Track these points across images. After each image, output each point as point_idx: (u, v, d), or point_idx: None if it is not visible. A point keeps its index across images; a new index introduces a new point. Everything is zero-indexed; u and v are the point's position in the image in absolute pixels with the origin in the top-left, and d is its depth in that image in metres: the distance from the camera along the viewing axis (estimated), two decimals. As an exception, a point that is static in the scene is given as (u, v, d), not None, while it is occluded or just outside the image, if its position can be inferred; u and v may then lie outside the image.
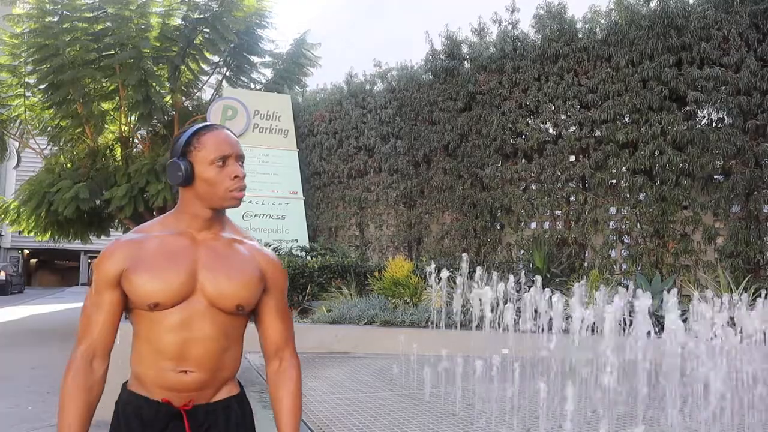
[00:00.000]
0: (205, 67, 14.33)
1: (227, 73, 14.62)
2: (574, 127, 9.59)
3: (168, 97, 13.25)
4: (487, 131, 10.40)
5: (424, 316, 7.26)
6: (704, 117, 8.64)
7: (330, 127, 13.64)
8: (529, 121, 10.13)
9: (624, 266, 9.09)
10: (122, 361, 1.64)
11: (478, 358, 4.42)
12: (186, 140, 1.53)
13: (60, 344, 10.13)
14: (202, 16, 12.86)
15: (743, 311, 4.39)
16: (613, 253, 9.20)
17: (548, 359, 4.89)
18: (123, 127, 13.62)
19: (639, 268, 8.66)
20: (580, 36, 9.59)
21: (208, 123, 1.60)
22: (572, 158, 9.67)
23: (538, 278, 5.91)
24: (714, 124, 8.47)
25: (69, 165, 13.44)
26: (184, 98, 14.05)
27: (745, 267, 7.82)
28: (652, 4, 8.87)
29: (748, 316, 4.24)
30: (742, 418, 3.96)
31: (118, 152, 13.67)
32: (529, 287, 5.73)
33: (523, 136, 10.21)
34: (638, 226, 8.80)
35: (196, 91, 14.77)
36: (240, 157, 1.56)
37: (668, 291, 4.20)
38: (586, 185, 9.55)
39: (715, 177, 8.41)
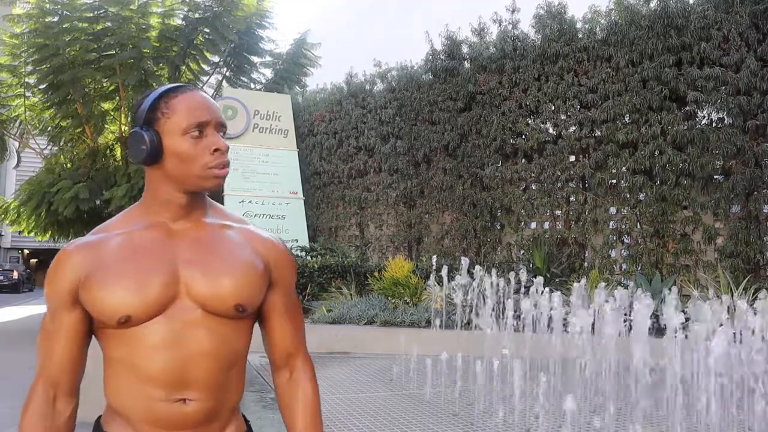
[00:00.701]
0: (206, 67, 14.33)
1: (227, 73, 14.62)
2: (574, 127, 9.59)
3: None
4: (487, 131, 10.40)
5: (424, 316, 7.26)
6: (704, 117, 8.64)
7: (330, 127, 13.64)
8: (529, 121, 10.13)
9: (624, 266, 9.09)
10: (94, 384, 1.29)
11: (477, 358, 4.42)
12: (151, 104, 1.18)
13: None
14: (202, 16, 12.86)
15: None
16: (613, 253, 9.20)
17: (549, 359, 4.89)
18: (123, 127, 13.62)
19: (639, 268, 8.66)
20: (580, 36, 9.59)
21: (179, 83, 1.26)
22: (572, 158, 9.67)
23: (539, 278, 5.91)
24: (714, 124, 8.47)
25: (69, 165, 13.44)
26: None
27: (745, 267, 7.82)
28: (652, 4, 8.87)
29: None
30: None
31: (118, 152, 13.67)
32: (528, 288, 5.73)
33: (523, 136, 10.21)
34: (638, 226, 8.80)
35: (196, 91, 14.74)
36: (220, 126, 1.20)
37: (668, 291, 4.20)
38: (586, 185, 9.55)
39: (715, 177, 8.41)
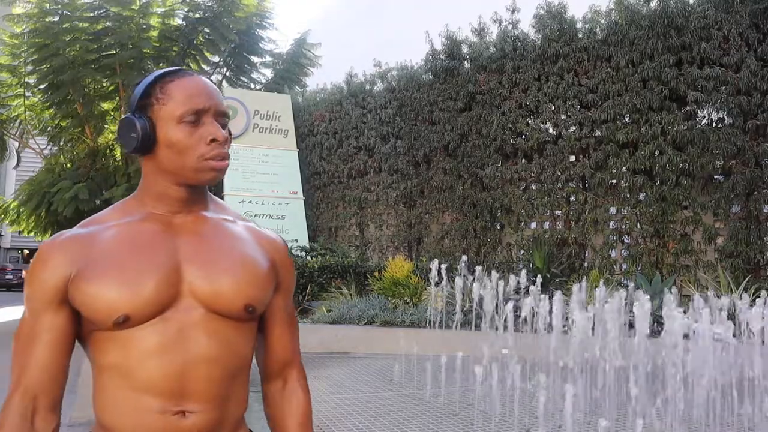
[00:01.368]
0: (206, 67, 14.34)
1: (227, 73, 14.62)
2: (574, 127, 9.59)
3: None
4: (487, 131, 10.40)
5: (424, 316, 7.26)
6: (704, 117, 8.64)
7: (330, 127, 13.64)
8: (529, 121, 10.13)
9: (624, 266, 9.09)
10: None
11: (477, 358, 4.43)
12: (145, 89, 1.09)
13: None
14: (202, 16, 12.87)
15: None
16: (613, 253, 9.20)
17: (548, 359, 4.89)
18: (123, 127, 13.61)
19: (639, 268, 8.66)
20: (580, 36, 9.59)
21: (178, 68, 1.15)
22: (572, 158, 9.67)
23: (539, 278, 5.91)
24: (714, 124, 8.47)
25: (69, 165, 13.45)
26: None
27: (745, 267, 7.82)
28: (652, 4, 8.87)
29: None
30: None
31: (117, 152, 13.67)
32: (528, 288, 5.73)
33: (523, 136, 10.21)
34: (638, 226, 8.80)
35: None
36: (221, 114, 1.10)
37: (669, 291, 4.20)
38: (586, 185, 9.55)
39: (715, 177, 8.41)
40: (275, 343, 1.21)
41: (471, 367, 4.55)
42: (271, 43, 15.95)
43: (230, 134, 1.13)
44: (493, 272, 6.33)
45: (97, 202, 12.63)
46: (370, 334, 7.16)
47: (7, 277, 28.76)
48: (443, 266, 6.96)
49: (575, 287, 5.02)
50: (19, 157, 15.82)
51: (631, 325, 4.54)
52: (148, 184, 1.11)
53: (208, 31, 12.85)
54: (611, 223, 9.20)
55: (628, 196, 8.92)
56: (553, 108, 9.77)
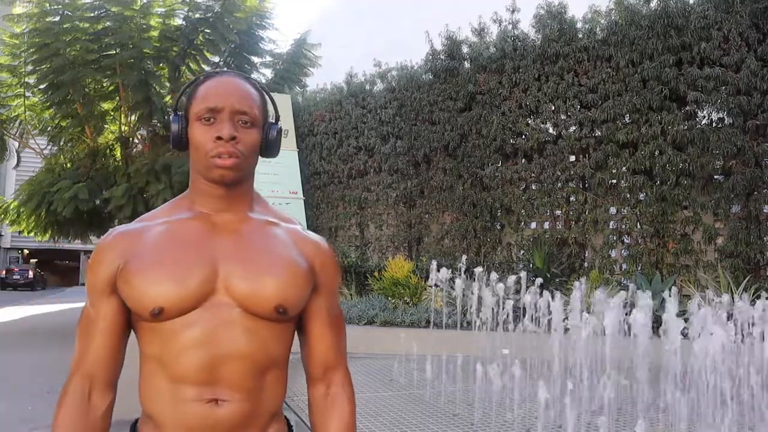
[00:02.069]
0: (206, 68, 14.31)
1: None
2: (574, 127, 9.60)
3: (168, 98, 13.25)
4: (487, 131, 10.40)
5: (424, 316, 7.27)
6: (704, 117, 8.64)
7: (330, 127, 13.65)
8: (529, 121, 10.13)
9: (624, 266, 9.09)
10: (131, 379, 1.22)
11: (477, 358, 4.42)
12: (185, 90, 1.18)
13: (60, 344, 10.13)
14: (203, 16, 12.87)
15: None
16: (613, 253, 9.20)
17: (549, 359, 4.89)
18: (123, 127, 13.62)
19: (639, 268, 8.66)
20: (580, 36, 9.59)
21: (223, 70, 1.19)
22: (572, 158, 9.67)
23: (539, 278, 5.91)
24: (714, 124, 8.47)
25: (69, 165, 13.44)
26: (184, 98, 14.03)
27: (745, 267, 7.82)
28: (652, 4, 8.87)
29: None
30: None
31: (118, 152, 13.66)
32: (528, 288, 5.73)
33: (523, 136, 10.21)
34: (638, 226, 8.80)
35: (196, 91, 14.74)
36: (237, 113, 1.12)
37: (669, 291, 4.20)
38: (586, 185, 9.55)
39: (715, 177, 8.42)
40: (315, 344, 1.21)
41: (471, 367, 4.55)
42: (272, 44, 15.94)
43: (270, 134, 1.19)
44: (493, 272, 6.33)
45: (97, 202, 12.62)
46: (370, 334, 7.16)
47: (14, 277, 31.34)
48: (443, 267, 6.96)
49: (598, 293, 4.93)
50: (19, 157, 15.81)
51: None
52: (191, 182, 1.19)
53: (208, 31, 12.84)
54: (611, 223, 9.20)
55: (628, 196, 8.92)
56: (553, 108, 9.77)
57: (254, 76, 14.98)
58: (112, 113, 13.82)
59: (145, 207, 12.07)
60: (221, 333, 1.09)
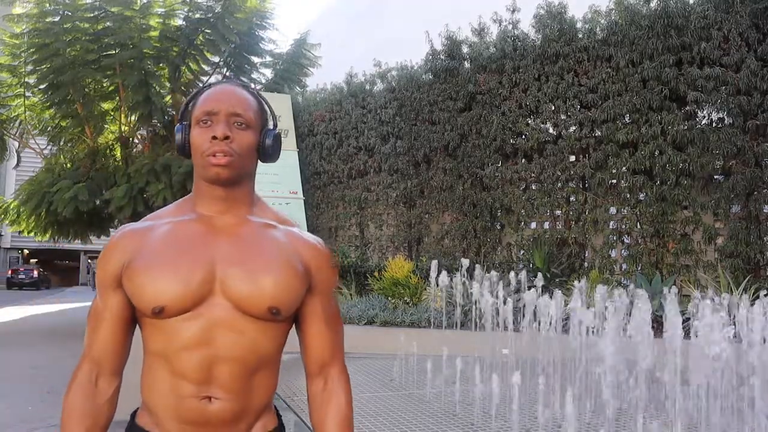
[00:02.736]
0: (206, 68, 14.32)
1: (227, 74, 14.58)
2: (574, 127, 9.60)
3: (168, 98, 13.26)
4: (487, 131, 10.40)
5: (424, 316, 7.27)
6: (704, 117, 8.64)
7: (330, 127, 13.65)
8: (529, 121, 10.14)
9: (624, 266, 9.09)
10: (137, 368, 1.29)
11: (477, 358, 4.42)
12: (188, 99, 1.26)
13: (60, 344, 10.13)
14: (203, 16, 12.87)
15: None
16: (613, 253, 9.20)
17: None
18: (123, 127, 13.63)
19: (639, 268, 8.66)
20: (580, 36, 9.60)
21: (225, 80, 1.28)
22: (572, 158, 9.67)
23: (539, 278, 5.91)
24: (714, 124, 8.48)
25: (69, 165, 13.44)
26: (184, 98, 14.05)
27: (745, 267, 7.82)
28: (652, 4, 8.87)
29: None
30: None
31: (118, 152, 13.67)
32: (529, 287, 5.73)
33: (523, 136, 10.21)
34: (638, 226, 8.80)
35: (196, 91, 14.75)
36: (232, 115, 1.18)
37: (668, 291, 4.20)
38: (586, 185, 9.55)
39: (715, 177, 8.42)
40: (312, 342, 1.27)
41: (471, 367, 4.56)
42: (272, 44, 15.93)
43: (267, 139, 1.23)
44: (493, 272, 6.33)
45: (97, 202, 12.62)
46: (370, 334, 7.17)
47: (20, 276, 33.19)
48: (443, 267, 6.96)
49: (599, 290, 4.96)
50: (19, 157, 15.81)
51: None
52: (194, 184, 1.24)
53: (209, 31, 12.84)
54: (611, 223, 9.20)
55: (628, 196, 8.92)
56: (553, 108, 9.77)
57: (254, 76, 14.98)
58: (112, 113, 13.82)
59: (145, 207, 12.07)
60: (216, 332, 1.14)
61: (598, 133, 9.26)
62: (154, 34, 12.90)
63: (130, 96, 12.67)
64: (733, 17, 8.10)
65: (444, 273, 6.66)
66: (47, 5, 12.26)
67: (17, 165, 16.30)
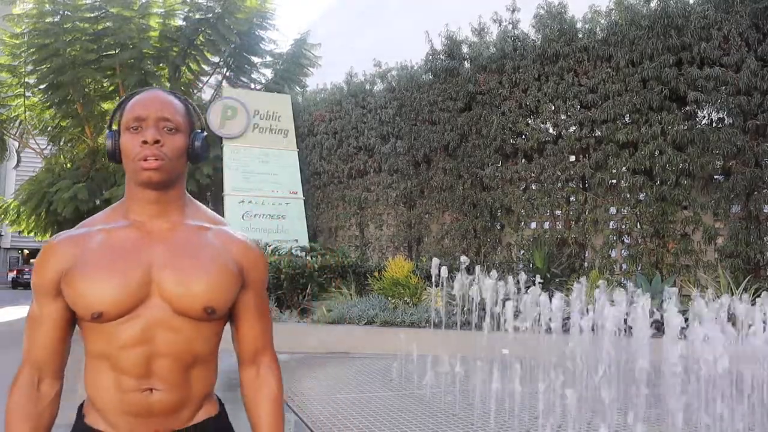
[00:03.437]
0: (206, 68, 14.34)
1: (227, 74, 14.61)
2: (574, 127, 9.59)
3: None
4: (487, 131, 10.39)
5: (424, 316, 7.26)
6: (704, 117, 8.64)
7: (330, 127, 13.64)
8: (529, 121, 10.13)
9: (624, 266, 9.09)
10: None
11: (478, 358, 4.42)
12: (117, 106, 1.29)
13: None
14: (203, 16, 12.87)
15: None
16: (613, 253, 9.20)
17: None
18: (123, 127, 13.63)
19: (639, 268, 8.66)
20: (580, 36, 9.59)
21: (150, 87, 1.32)
22: (572, 158, 9.67)
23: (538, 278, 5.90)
24: (714, 124, 8.47)
25: (69, 165, 13.46)
26: (183, 98, 14.04)
27: (745, 267, 7.82)
28: (652, 4, 8.87)
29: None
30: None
31: (118, 152, 13.67)
32: (528, 288, 5.72)
33: (523, 136, 10.21)
34: (638, 226, 8.80)
35: (196, 91, 14.78)
36: (161, 120, 1.21)
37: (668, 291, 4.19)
38: (586, 185, 9.55)
39: (715, 177, 8.41)
40: (245, 333, 1.34)
41: (471, 366, 4.55)
42: (272, 44, 15.97)
43: (196, 141, 1.27)
44: (493, 272, 6.32)
45: (97, 202, 12.64)
46: (370, 334, 7.16)
47: (25, 276, 33.32)
48: (443, 267, 6.95)
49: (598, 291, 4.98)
50: (19, 157, 15.82)
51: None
52: (127, 190, 1.27)
53: (209, 32, 12.85)
54: (611, 223, 9.20)
55: (628, 196, 8.92)
56: (553, 108, 9.77)
57: (254, 76, 15.01)
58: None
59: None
60: (156, 332, 1.20)
61: (598, 133, 9.25)
62: (154, 34, 12.90)
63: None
64: (733, 17, 8.10)
65: (444, 271, 6.65)
66: (47, 5, 12.26)
67: (17, 165, 16.30)
